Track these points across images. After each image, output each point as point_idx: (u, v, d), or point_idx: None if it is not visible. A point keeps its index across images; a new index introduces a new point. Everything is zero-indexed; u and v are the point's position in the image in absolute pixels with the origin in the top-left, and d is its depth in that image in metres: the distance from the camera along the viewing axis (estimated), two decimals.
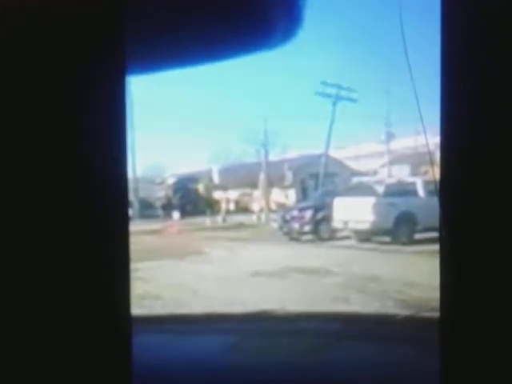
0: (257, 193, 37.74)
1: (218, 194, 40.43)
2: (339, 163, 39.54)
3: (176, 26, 0.72)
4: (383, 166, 32.59)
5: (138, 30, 0.68)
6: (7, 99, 0.60)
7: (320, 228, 21.26)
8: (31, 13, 0.59)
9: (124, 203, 0.67)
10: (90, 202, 0.63)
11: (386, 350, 1.56)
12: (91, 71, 0.62)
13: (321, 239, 20.68)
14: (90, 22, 0.61)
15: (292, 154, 42.37)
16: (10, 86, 0.60)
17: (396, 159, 33.88)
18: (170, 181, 41.98)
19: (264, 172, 36.45)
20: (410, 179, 21.01)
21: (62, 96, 0.62)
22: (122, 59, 0.65)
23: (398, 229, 18.45)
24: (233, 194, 40.93)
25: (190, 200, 39.50)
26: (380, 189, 20.05)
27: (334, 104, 34.12)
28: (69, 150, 0.62)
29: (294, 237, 21.45)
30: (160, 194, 40.07)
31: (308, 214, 21.57)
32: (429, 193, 17.95)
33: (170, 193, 40.07)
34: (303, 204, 24.53)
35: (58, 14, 0.60)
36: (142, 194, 36.94)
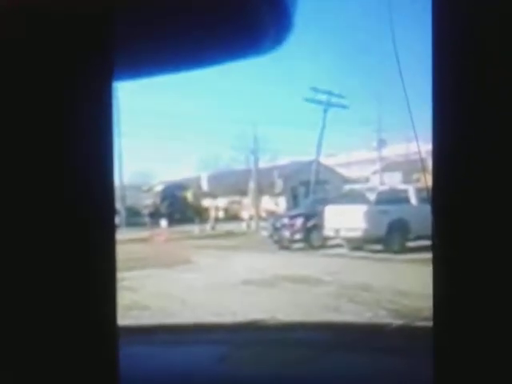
0: (246, 200, 37.78)
1: (206, 202, 40.44)
2: (330, 170, 39.65)
3: (164, 31, 0.72)
4: (375, 173, 32.72)
5: (126, 35, 0.68)
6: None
7: (311, 236, 21.28)
8: (16, 18, 0.59)
9: (110, 211, 0.67)
10: (76, 210, 0.63)
11: (378, 360, 1.56)
12: (77, 77, 0.62)
13: (312, 247, 20.70)
14: (77, 26, 0.61)
15: (282, 160, 42.50)
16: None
17: (388, 166, 34.02)
18: (158, 188, 41.96)
19: (254, 179, 36.50)
20: (402, 186, 21.11)
21: (48, 102, 0.61)
22: (109, 65, 0.65)
23: (390, 237, 18.49)
24: (222, 202, 40.95)
25: (178, 208, 39.48)
26: (372, 196, 20.10)
27: (325, 110, 34.22)
28: (54, 157, 0.62)
29: (284, 245, 21.45)
30: (147, 202, 40.04)
31: (299, 221, 21.59)
32: (421, 200, 18.03)
33: (158, 200, 40.04)
34: (294, 212, 24.57)
35: (45, 19, 0.60)
36: (128, 202, 36.88)
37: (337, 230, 19.57)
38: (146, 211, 38.86)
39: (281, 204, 37.08)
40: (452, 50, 0.61)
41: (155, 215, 36.44)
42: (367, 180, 31.20)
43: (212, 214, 37.04)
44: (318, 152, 36.05)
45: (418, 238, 16.73)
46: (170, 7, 0.67)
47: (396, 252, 17.67)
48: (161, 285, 12.46)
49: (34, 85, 0.61)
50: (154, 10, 0.67)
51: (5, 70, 0.60)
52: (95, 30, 0.62)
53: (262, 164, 39.36)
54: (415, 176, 22.27)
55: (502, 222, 0.59)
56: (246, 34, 0.72)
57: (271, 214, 30.93)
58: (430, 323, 0.66)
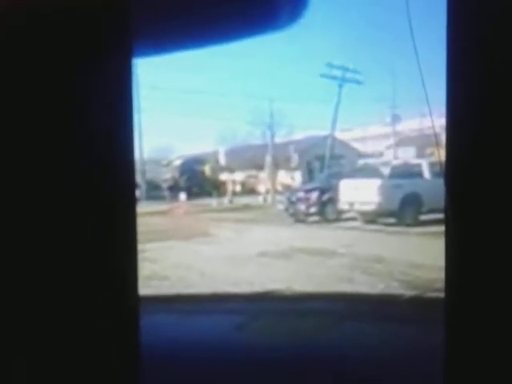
0: (263, 175, 37.72)
1: (224, 176, 40.42)
2: (345, 145, 39.46)
3: (182, 7, 0.72)
4: (389, 147, 32.48)
5: (144, 11, 0.68)
6: (15, 86, 0.60)
7: (326, 209, 21.25)
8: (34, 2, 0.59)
9: (131, 185, 0.67)
10: (97, 184, 0.63)
11: (390, 330, 1.56)
12: (96, 54, 0.62)
13: (327, 220, 20.68)
14: (95, 3, 0.61)
15: (298, 135, 42.31)
16: (16, 72, 0.60)
17: (402, 141, 33.79)
18: (177, 163, 41.98)
19: (270, 154, 36.43)
20: (416, 161, 20.93)
21: (68, 78, 0.61)
22: (127, 41, 0.64)
23: (403, 210, 18.42)
24: (239, 176, 40.92)
25: (197, 182, 39.52)
26: (386, 170, 20.01)
27: (340, 86, 34.03)
28: (75, 134, 0.62)
29: (300, 218, 21.44)
30: (167, 176, 40.11)
31: (314, 195, 21.55)
32: (434, 174, 17.92)
33: (177, 174, 40.09)
34: (309, 186, 24.48)
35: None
36: (148, 176, 36.98)
37: (351, 204, 19.52)
38: (165, 185, 38.95)
39: (296, 178, 36.99)
40: (467, 26, 0.60)
41: (174, 189, 36.51)
42: (381, 154, 30.98)
43: (229, 187, 37.04)
44: (333, 127, 35.94)
45: (431, 211, 16.64)
46: None
47: (409, 225, 17.61)
48: (180, 256, 12.52)
49: (53, 61, 0.61)
50: None
51: (26, 54, 0.60)
52: (114, 7, 0.62)
53: (278, 139, 39.26)
54: (429, 150, 22.10)
55: None
56: (262, 11, 0.72)
57: (287, 187, 30.88)
58: (441, 294, 0.66)
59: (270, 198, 31.99)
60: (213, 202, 31.50)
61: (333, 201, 20.89)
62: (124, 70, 0.64)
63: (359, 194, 18.90)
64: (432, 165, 18.59)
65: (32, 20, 0.60)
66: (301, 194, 22.13)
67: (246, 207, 28.44)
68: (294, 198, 22.38)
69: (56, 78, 0.61)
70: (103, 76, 0.63)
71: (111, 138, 0.64)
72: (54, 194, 0.61)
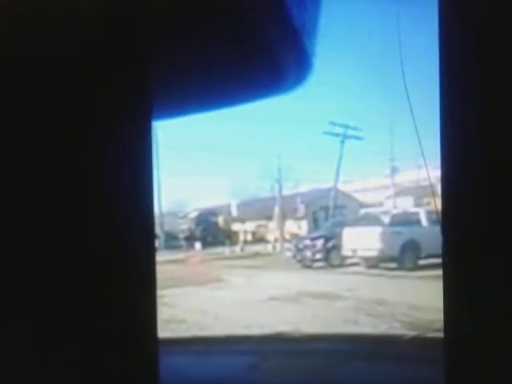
0: (272, 224, 37.69)
1: (236, 226, 40.46)
2: (347, 196, 39.47)
3: (193, 73, 0.73)
4: (389, 197, 32.48)
5: (162, 79, 0.69)
6: (38, 140, 0.61)
7: (331, 256, 21.15)
8: (59, 59, 0.60)
9: (151, 235, 0.67)
10: (120, 235, 0.63)
11: (393, 369, 1.54)
12: (118, 116, 0.63)
13: (331, 266, 20.56)
14: (115, 64, 0.62)
15: (304, 188, 42.37)
16: (39, 125, 0.61)
17: (400, 191, 33.77)
18: (192, 215, 42.05)
19: (278, 205, 36.48)
20: (414, 210, 20.89)
21: (90, 137, 0.62)
22: (147, 105, 0.65)
23: (403, 255, 18.31)
24: (250, 226, 40.90)
25: (211, 232, 39.53)
26: (386, 219, 19.97)
27: (342, 142, 34.21)
28: (100, 189, 0.62)
29: (306, 264, 21.35)
30: (183, 227, 40.13)
31: (319, 242, 21.49)
32: (431, 222, 17.84)
33: (193, 225, 40.11)
34: (315, 234, 24.43)
35: (84, 57, 0.60)
36: (167, 227, 37.03)
37: (354, 250, 19.44)
38: (182, 235, 38.94)
39: (303, 227, 36.94)
40: (459, 80, 0.61)
41: (190, 239, 36.47)
42: (381, 204, 30.99)
43: (241, 237, 37.02)
44: (336, 179, 36.03)
45: (430, 256, 16.54)
46: (200, 52, 0.68)
47: (409, 269, 17.47)
48: (196, 301, 12.45)
49: (76, 122, 0.62)
50: (186, 54, 0.68)
51: (47, 110, 0.61)
52: (134, 70, 0.63)
53: (286, 191, 39.35)
54: (426, 200, 22.08)
55: (507, 241, 0.58)
56: (270, 76, 0.73)
57: (294, 236, 30.80)
58: (441, 334, 0.65)
59: (278, 245, 31.90)
60: (226, 250, 31.43)
61: (337, 247, 20.81)
62: (144, 132, 0.65)
63: (361, 240, 18.83)
64: (429, 213, 18.52)
65: (53, 78, 0.60)
66: (307, 242, 22.07)
67: (257, 254, 28.34)
68: (300, 246, 22.32)
69: (76, 135, 0.62)
70: (126, 138, 0.64)
71: (133, 193, 0.64)
72: (79, 244, 0.61)
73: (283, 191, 38.51)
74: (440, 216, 0.63)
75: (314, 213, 38.10)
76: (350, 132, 34.05)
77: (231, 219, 41.99)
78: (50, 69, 0.60)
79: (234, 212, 43.29)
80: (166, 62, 0.68)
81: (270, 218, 37.73)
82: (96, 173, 0.62)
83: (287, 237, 33.05)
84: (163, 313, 9.47)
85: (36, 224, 0.60)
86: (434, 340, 1.59)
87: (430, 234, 15.64)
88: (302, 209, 38.64)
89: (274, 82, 0.75)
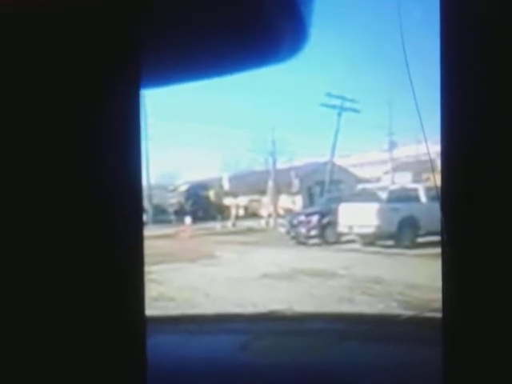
0: (265, 199, 37.71)
1: (228, 201, 40.44)
2: (344, 171, 39.48)
3: (186, 40, 0.72)
4: (386, 173, 32.49)
5: (152, 43, 0.68)
6: (25, 116, 0.60)
7: (326, 232, 21.21)
8: (47, 30, 0.60)
9: (138, 209, 0.67)
10: (106, 209, 0.63)
11: (389, 349, 1.55)
12: (106, 84, 0.63)
13: (327, 243, 20.61)
14: (104, 35, 0.61)
15: (299, 162, 42.32)
16: (28, 102, 0.60)
17: (398, 167, 33.79)
18: (183, 188, 42.00)
19: (272, 179, 36.48)
20: (412, 185, 20.92)
21: (77, 107, 0.62)
22: (136, 73, 0.65)
23: (401, 233, 18.39)
24: (242, 201, 40.91)
25: (202, 206, 39.52)
26: (383, 195, 20.01)
27: (339, 114, 34.15)
28: (85, 160, 0.62)
29: (301, 241, 21.40)
30: (173, 201, 40.09)
31: (314, 218, 21.53)
32: (430, 198, 17.89)
33: (182, 199, 40.09)
34: (310, 209, 24.46)
35: (73, 28, 0.60)
36: (155, 201, 36.99)
37: (350, 227, 19.49)
38: (171, 209, 38.93)
39: (297, 202, 36.97)
40: (461, 52, 0.61)
41: (180, 213, 36.46)
42: (379, 180, 30.97)
43: (233, 211, 37.01)
44: (333, 153, 36.00)
45: (428, 233, 16.62)
46: (193, 18, 0.67)
47: (406, 247, 17.55)
48: (185, 278, 12.48)
49: (63, 93, 0.61)
50: (177, 20, 0.67)
51: (34, 81, 0.60)
52: (123, 40, 0.62)
53: (280, 165, 39.32)
54: (424, 176, 22.10)
55: (508, 218, 0.59)
56: (265, 44, 0.72)
57: (288, 211, 30.86)
58: (438, 314, 0.66)
59: (272, 221, 31.95)
60: (217, 225, 31.46)
61: (332, 224, 20.86)
62: (132, 101, 0.65)
63: (358, 217, 18.87)
64: (428, 189, 18.56)
65: (41, 50, 0.60)
66: (302, 218, 22.11)
67: (249, 230, 28.38)
68: (295, 222, 22.35)
69: (66, 105, 0.61)
70: (112, 104, 0.63)
71: (119, 164, 0.64)
72: (65, 217, 0.61)
73: (277, 165, 38.53)
74: (439, 192, 0.63)
75: (309, 188, 38.13)
76: (348, 104, 33.99)
77: (223, 193, 41.98)
78: (38, 34, 0.59)
79: (226, 186, 43.27)
80: (156, 29, 0.68)
81: (263, 192, 37.75)
82: (81, 142, 0.62)
83: (281, 212, 33.09)
84: (151, 290, 9.51)
85: (16, 196, 0.60)
86: (431, 320, 1.61)
87: (429, 211, 15.69)
88: (296, 183, 38.65)
89: (269, 50, 0.75)
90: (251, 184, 39.37)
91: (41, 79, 0.60)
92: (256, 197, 40.11)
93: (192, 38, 0.72)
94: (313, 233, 21.48)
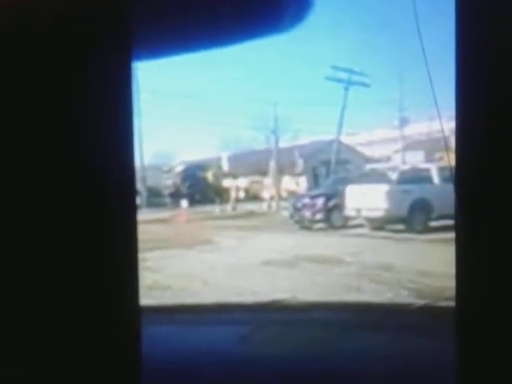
0: (267, 180, 37.70)
1: (227, 182, 40.43)
2: (351, 150, 39.48)
3: (183, 9, 0.72)
4: (397, 152, 32.45)
5: (145, 14, 0.68)
6: (14, 88, 0.60)
7: (332, 216, 21.22)
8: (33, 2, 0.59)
9: (131, 192, 0.67)
10: (97, 191, 0.63)
11: (398, 340, 1.56)
12: (96, 58, 0.62)
13: (333, 227, 20.64)
14: (94, 7, 0.61)
15: (303, 140, 42.31)
16: (15, 74, 0.60)
17: (410, 145, 33.76)
18: (178, 169, 42.02)
19: (274, 159, 36.44)
20: (425, 166, 20.89)
21: (67, 82, 0.62)
22: (127, 44, 0.65)
23: (412, 216, 18.40)
24: (242, 182, 40.93)
25: (199, 188, 39.55)
26: (393, 176, 20.00)
27: (346, 89, 34.05)
28: (74, 138, 0.62)
29: (305, 225, 21.42)
30: (168, 182, 40.14)
31: (320, 201, 21.52)
32: (444, 179, 17.88)
33: (179, 181, 40.12)
34: (315, 192, 24.47)
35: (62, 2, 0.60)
36: (149, 183, 37.02)
37: (358, 210, 19.51)
38: (166, 192, 38.98)
39: (301, 184, 36.98)
40: (476, 28, 0.60)
41: (176, 196, 36.52)
42: (389, 159, 30.95)
43: (233, 194, 37.03)
44: (339, 131, 35.92)
45: (441, 217, 16.65)
46: None
47: (418, 232, 17.58)
48: (182, 265, 12.51)
49: (52, 64, 0.61)
50: None
51: (23, 48, 0.60)
52: (113, 10, 0.62)
53: (283, 144, 39.27)
54: (438, 155, 22.08)
55: None
56: (266, 12, 0.72)
57: (292, 193, 30.87)
58: (452, 303, 0.66)
59: (274, 204, 32.00)
60: (215, 209, 31.50)
61: (339, 207, 20.87)
62: (124, 73, 0.65)
63: (366, 199, 18.88)
64: (441, 170, 18.54)
65: (31, 22, 0.60)
66: (306, 201, 22.11)
67: (250, 214, 28.42)
68: (299, 205, 22.35)
69: (55, 80, 0.61)
70: (103, 79, 0.63)
71: (111, 143, 0.64)
72: (53, 200, 0.61)
73: (280, 143, 38.47)
74: (453, 173, 0.63)
75: (314, 168, 38.14)
76: (355, 78, 33.87)
77: (222, 174, 41.98)
78: (26, 12, 0.59)
79: (225, 166, 43.27)
80: None
81: (265, 173, 37.74)
82: (68, 119, 0.61)
83: (284, 195, 33.14)
84: (146, 278, 9.54)
85: (8, 180, 0.60)
86: (444, 309, 1.61)
87: (442, 193, 15.69)
88: (300, 163, 38.65)
89: (271, 18, 0.74)
90: (252, 164, 39.36)
91: (27, 53, 0.60)
92: (257, 178, 40.11)
93: (189, 4, 0.72)
94: (318, 217, 21.49)
